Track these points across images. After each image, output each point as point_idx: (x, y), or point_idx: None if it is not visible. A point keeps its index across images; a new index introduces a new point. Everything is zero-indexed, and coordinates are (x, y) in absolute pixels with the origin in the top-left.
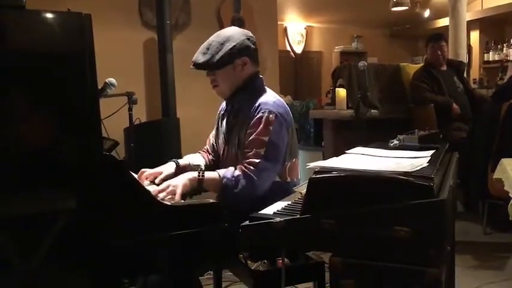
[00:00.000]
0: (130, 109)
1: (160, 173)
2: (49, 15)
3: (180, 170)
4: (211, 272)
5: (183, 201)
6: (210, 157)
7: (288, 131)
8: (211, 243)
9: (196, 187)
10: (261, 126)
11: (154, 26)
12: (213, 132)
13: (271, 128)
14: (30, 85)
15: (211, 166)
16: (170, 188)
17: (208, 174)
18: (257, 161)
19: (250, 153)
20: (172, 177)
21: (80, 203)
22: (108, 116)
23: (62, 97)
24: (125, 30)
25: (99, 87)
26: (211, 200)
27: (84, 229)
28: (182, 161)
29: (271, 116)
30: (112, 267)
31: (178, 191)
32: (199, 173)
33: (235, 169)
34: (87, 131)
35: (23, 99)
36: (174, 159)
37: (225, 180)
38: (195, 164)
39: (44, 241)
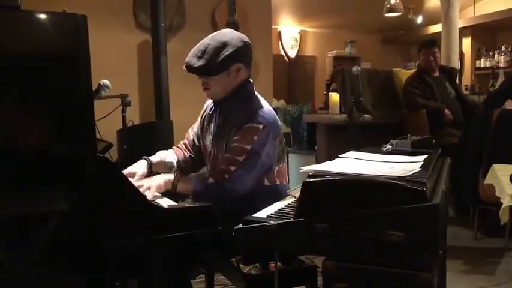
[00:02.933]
0: (123, 111)
1: (134, 174)
2: (44, 16)
3: (152, 168)
4: (203, 275)
5: (176, 203)
6: (187, 154)
7: (276, 140)
8: (204, 246)
9: (171, 190)
10: (246, 135)
11: (148, 28)
12: (195, 128)
13: (255, 137)
14: (24, 86)
15: (186, 163)
16: (143, 189)
17: (183, 180)
18: (232, 168)
19: (229, 160)
20: (147, 177)
21: (74, 204)
22: (102, 118)
23: (56, 98)
24: (119, 32)
25: (93, 89)
26: (206, 203)
27: (77, 231)
28: (154, 158)
29: (259, 126)
30: (105, 269)
31: (152, 191)
32: (175, 176)
33: (210, 176)
34: (81, 132)
35: (17, 100)
36: (146, 157)
37: (197, 188)
38: (167, 161)
39: (37, 242)
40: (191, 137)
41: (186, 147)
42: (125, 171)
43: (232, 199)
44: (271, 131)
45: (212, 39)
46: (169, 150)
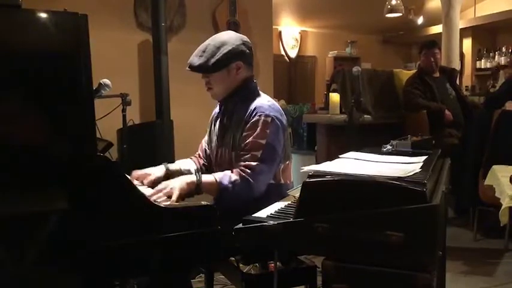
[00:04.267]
0: (124, 110)
1: (150, 175)
2: (45, 15)
3: (169, 175)
4: (203, 275)
5: (177, 203)
6: (202, 162)
7: (284, 134)
8: (204, 246)
9: (194, 190)
10: (258, 129)
11: (149, 28)
12: (206, 137)
13: (268, 131)
14: (25, 85)
15: (202, 171)
16: (167, 189)
17: (206, 178)
18: (254, 164)
19: (247, 156)
20: (162, 181)
21: (73, 203)
22: (102, 117)
23: (57, 97)
24: (119, 32)
25: (94, 88)
26: (205, 203)
27: (77, 230)
28: (172, 166)
29: (268, 119)
30: (104, 268)
31: (176, 193)
32: (197, 176)
33: (232, 173)
34: (81, 131)
35: (18, 99)
36: (165, 163)
37: (222, 185)
38: (185, 169)
39: (36, 241)
40: (203, 146)
41: (199, 156)
42: (142, 171)
43: (255, 194)
44: (280, 124)
45: (212, 39)
46: (187, 159)
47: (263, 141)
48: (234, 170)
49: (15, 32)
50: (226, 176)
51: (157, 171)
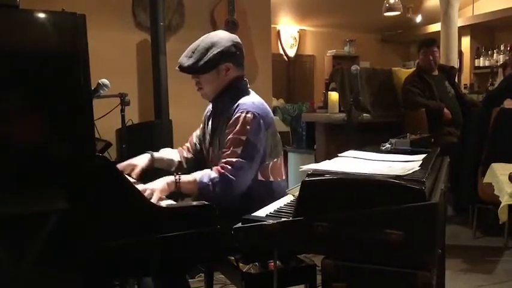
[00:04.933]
0: (122, 110)
1: (135, 166)
2: (43, 15)
3: (153, 162)
4: (203, 274)
5: (175, 202)
6: (189, 155)
7: (268, 131)
8: (203, 245)
9: (174, 191)
10: (239, 125)
11: (147, 27)
12: (198, 132)
13: (248, 127)
14: (23, 85)
15: (187, 164)
16: (147, 192)
17: (186, 178)
18: (234, 160)
19: (228, 152)
20: (147, 170)
21: (72, 203)
22: (101, 117)
23: (55, 97)
24: (118, 31)
25: (92, 88)
26: (205, 202)
27: (76, 230)
28: (157, 154)
29: (248, 115)
30: (103, 268)
31: (155, 196)
32: (175, 176)
33: (212, 171)
34: (80, 131)
35: (16, 99)
36: (150, 151)
37: (202, 183)
38: (167, 158)
39: (35, 241)
40: (194, 140)
41: (187, 149)
42: (126, 162)
43: (237, 191)
44: (262, 121)
45: (202, 40)
46: (174, 149)
47: (243, 138)
48: (214, 168)
49: (13, 32)
50: (206, 175)
51: (142, 161)
